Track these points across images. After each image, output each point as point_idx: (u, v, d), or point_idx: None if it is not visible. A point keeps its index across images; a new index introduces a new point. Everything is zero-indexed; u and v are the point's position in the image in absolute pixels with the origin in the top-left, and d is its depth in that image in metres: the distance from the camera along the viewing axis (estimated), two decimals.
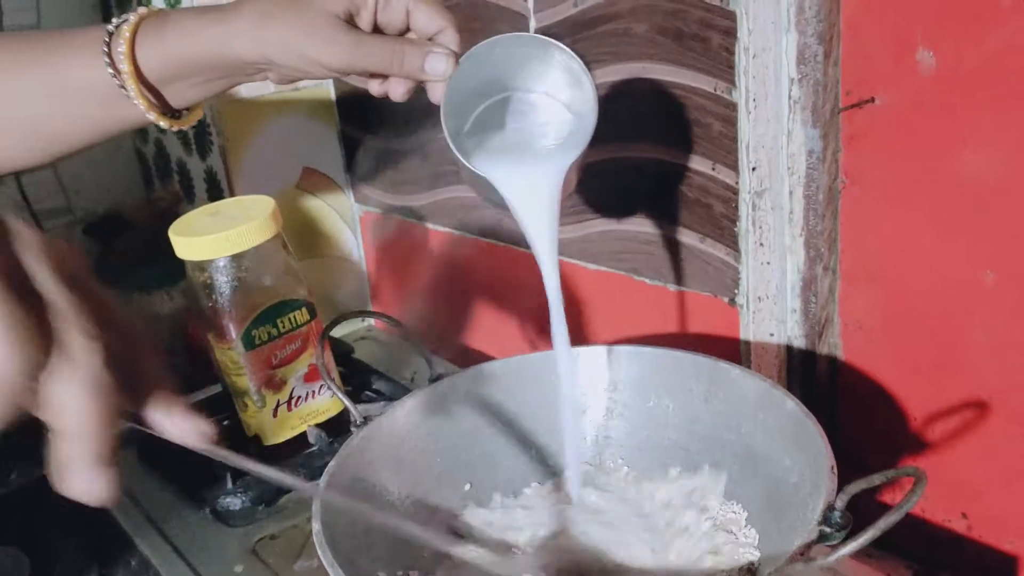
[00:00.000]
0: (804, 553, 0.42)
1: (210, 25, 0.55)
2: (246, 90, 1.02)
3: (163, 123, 0.58)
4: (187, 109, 0.61)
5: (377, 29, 0.55)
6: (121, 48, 0.55)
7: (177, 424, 0.39)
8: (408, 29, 0.56)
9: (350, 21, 0.54)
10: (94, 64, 0.55)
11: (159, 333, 1.10)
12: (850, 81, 0.60)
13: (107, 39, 0.55)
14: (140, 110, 0.57)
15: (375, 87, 0.57)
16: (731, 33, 0.63)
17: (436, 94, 0.55)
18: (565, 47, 0.54)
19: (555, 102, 0.59)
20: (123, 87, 0.55)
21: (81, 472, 0.33)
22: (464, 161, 0.54)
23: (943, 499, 0.64)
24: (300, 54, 0.54)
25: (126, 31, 0.55)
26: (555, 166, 0.55)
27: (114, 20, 0.56)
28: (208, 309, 0.75)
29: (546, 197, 0.55)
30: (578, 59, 0.54)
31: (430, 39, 0.55)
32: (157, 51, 0.55)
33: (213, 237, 0.72)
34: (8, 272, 0.31)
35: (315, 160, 1.11)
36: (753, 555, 0.55)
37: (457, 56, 0.54)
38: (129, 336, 0.37)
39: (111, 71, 0.55)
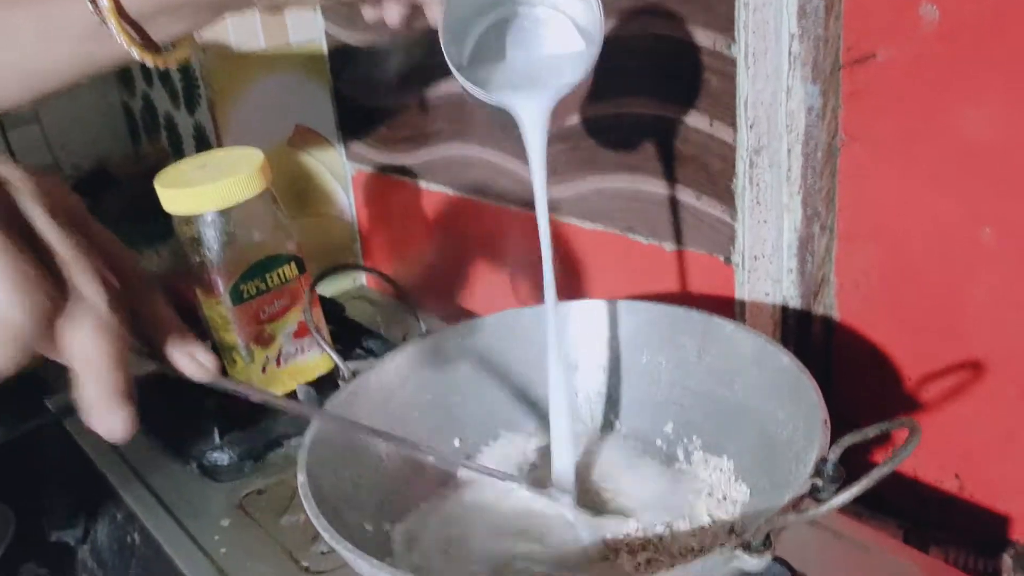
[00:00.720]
0: (796, 506, 0.41)
1: None
2: (236, 42, 1.01)
3: (147, 60, 0.57)
4: (172, 45, 0.59)
5: None
6: None
7: (189, 359, 0.40)
8: None
9: None
10: (77, 3, 0.53)
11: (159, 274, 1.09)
12: (851, 36, 0.59)
13: None
14: (123, 46, 0.55)
15: (369, 12, 0.55)
16: None
17: (433, 14, 0.53)
18: None
19: (559, 15, 0.56)
20: (104, 22, 0.54)
21: (101, 410, 0.34)
22: (468, 82, 0.52)
23: (936, 459, 0.64)
24: None
25: None
26: (553, 92, 0.53)
27: None
28: (196, 264, 0.74)
29: (540, 117, 0.53)
30: None
31: None
32: None
33: (201, 190, 0.71)
34: (7, 220, 0.32)
35: (307, 117, 1.10)
36: (744, 510, 0.55)
37: None
38: (131, 275, 0.38)
39: (91, 6, 0.53)
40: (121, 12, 0.54)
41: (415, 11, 0.54)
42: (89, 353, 0.34)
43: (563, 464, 0.57)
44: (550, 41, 0.56)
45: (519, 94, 0.53)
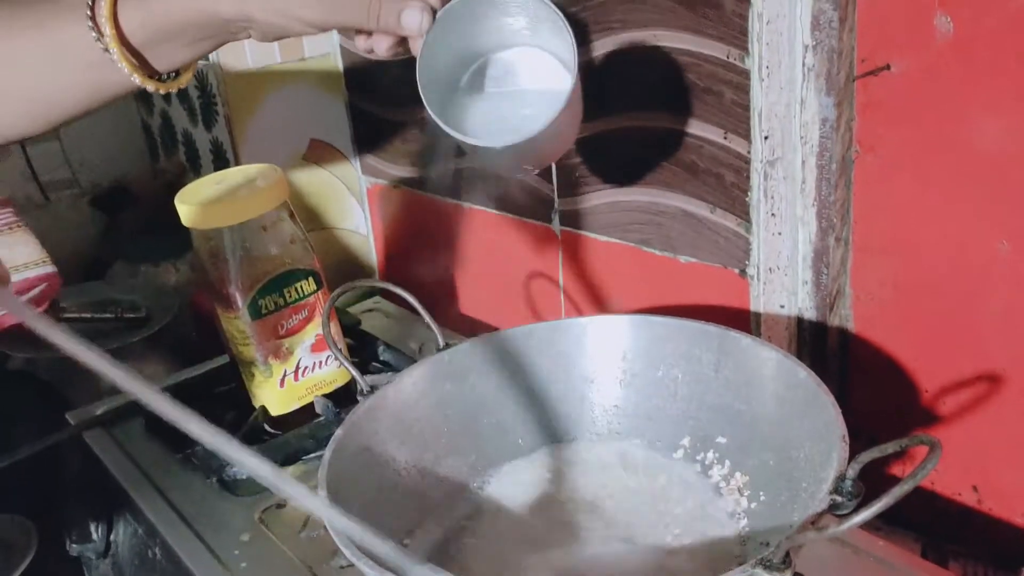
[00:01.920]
0: (815, 522, 0.41)
1: None
2: (252, 60, 1.02)
3: (150, 86, 0.58)
4: (176, 72, 0.60)
5: None
6: (103, 11, 0.54)
7: None
8: None
9: None
10: (80, 28, 0.55)
11: (165, 301, 1.10)
12: (865, 48, 0.59)
13: (90, 2, 0.55)
14: (127, 74, 0.56)
15: (360, 43, 0.57)
16: None
17: (415, 49, 0.54)
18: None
19: (543, 54, 0.57)
20: (107, 50, 0.55)
21: None
22: (437, 120, 0.54)
23: (954, 472, 0.64)
24: (279, 10, 0.53)
25: None
26: (529, 129, 0.53)
27: None
28: (214, 278, 0.74)
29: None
30: (556, 10, 0.52)
31: None
32: (139, 14, 0.55)
33: (219, 205, 0.72)
34: None
35: (322, 131, 1.11)
36: (763, 525, 0.55)
37: (434, 10, 0.53)
38: None
39: (95, 34, 0.55)
40: (124, 41, 0.55)
41: (402, 42, 0.55)
42: None
43: None
44: (529, 76, 0.58)
45: (492, 136, 0.54)
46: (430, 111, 0.54)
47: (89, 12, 0.55)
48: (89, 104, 0.59)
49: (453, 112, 0.58)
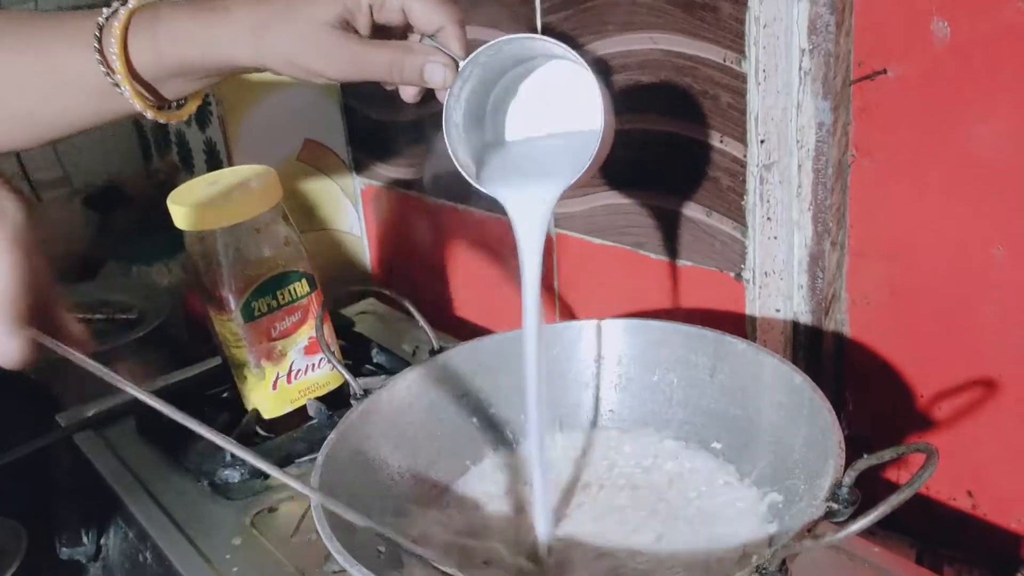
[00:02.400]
0: (811, 530, 0.41)
1: (204, 28, 0.53)
2: None
3: (160, 118, 0.58)
4: (183, 99, 0.60)
5: (378, 28, 0.54)
6: (113, 48, 0.54)
7: (72, 331, 0.38)
8: (410, 26, 0.54)
9: (347, 26, 0.52)
10: (87, 59, 0.54)
11: (157, 302, 1.09)
12: (862, 52, 0.59)
13: (98, 33, 0.54)
14: (135, 105, 0.56)
15: (386, 87, 0.56)
16: (741, 2, 0.62)
17: (440, 97, 0.54)
18: (570, 50, 0.51)
19: (568, 107, 0.57)
20: (117, 86, 0.55)
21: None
22: (467, 176, 0.55)
23: (949, 477, 0.63)
24: (299, 67, 0.53)
25: (116, 29, 0.54)
26: (553, 189, 0.54)
27: (104, 11, 0.55)
28: (207, 280, 0.74)
29: (539, 217, 0.54)
30: (585, 64, 0.52)
31: (432, 36, 0.53)
32: (151, 53, 0.54)
33: (212, 207, 0.71)
34: None
35: (317, 132, 1.10)
36: (759, 533, 0.54)
37: (457, 62, 0.52)
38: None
39: (104, 69, 0.54)
40: (133, 75, 0.55)
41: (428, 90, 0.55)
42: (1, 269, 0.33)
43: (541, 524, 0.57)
44: (561, 112, 0.57)
45: (510, 190, 0.55)
46: (460, 168, 0.54)
47: (97, 45, 0.54)
48: (90, 124, 0.59)
49: (487, 159, 0.57)
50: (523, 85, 0.58)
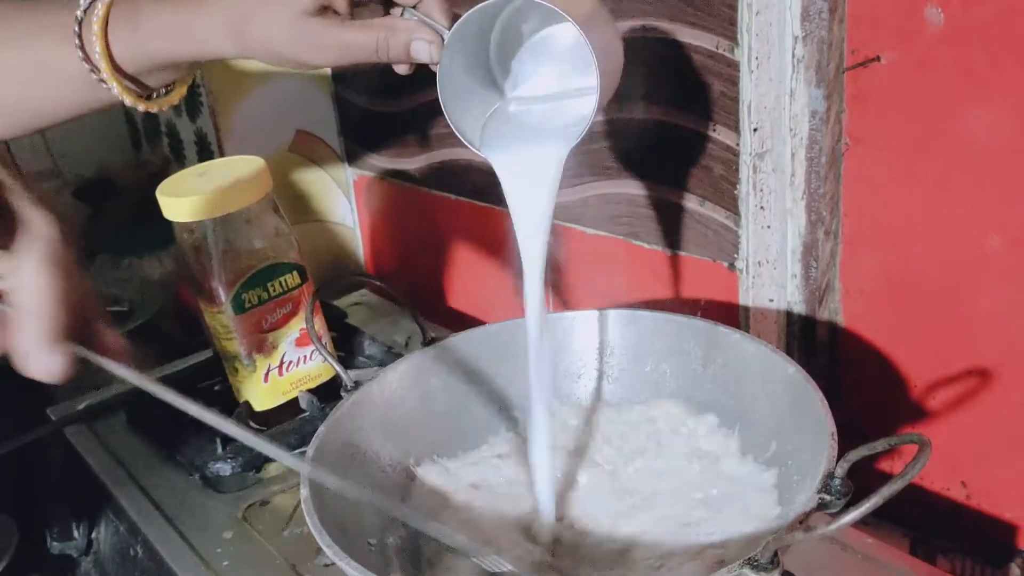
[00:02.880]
0: (803, 522, 0.41)
1: (185, 22, 0.53)
2: None
3: (141, 106, 0.57)
4: (167, 87, 0.60)
5: (359, 4, 0.53)
6: (95, 44, 0.53)
7: (113, 344, 0.39)
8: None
9: (326, 11, 0.52)
10: (69, 53, 0.54)
11: (148, 294, 1.09)
12: (856, 39, 0.59)
13: (77, 29, 0.54)
14: (121, 98, 0.56)
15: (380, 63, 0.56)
16: None
17: (433, 68, 0.53)
18: (555, 8, 0.49)
19: (568, 65, 0.55)
20: (103, 81, 0.55)
21: (41, 351, 0.34)
22: (474, 148, 0.53)
23: (942, 467, 0.63)
24: (285, 58, 0.52)
25: (96, 24, 0.53)
26: (553, 156, 0.52)
27: (80, 1, 0.54)
28: (197, 272, 0.73)
29: (544, 194, 0.53)
30: (576, 24, 0.51)
31: (415, 6, 0.53)
32: (132, 47, 0.54)
33: (201, 198, 0.71)
34: None
35: (308, 123, 1.09)
36: (749, 525, 0.54)
37: (442, 37, 0.52)
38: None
39: (88, 66, 0.54)
40: (118, 69, 0.55)
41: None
42: (39, 287, 0.33)
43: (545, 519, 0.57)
44: (548, 105, 0.55)
45: (512, 156, 0.53)
46: (464, 140, 0.53)
47: (78, 42, 0.54)
48: (77, 113, 0.59)
49: (490, 124, 0.56)
50: (521, 49, 0.56)
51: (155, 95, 0.59)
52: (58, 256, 0.34)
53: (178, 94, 0.61)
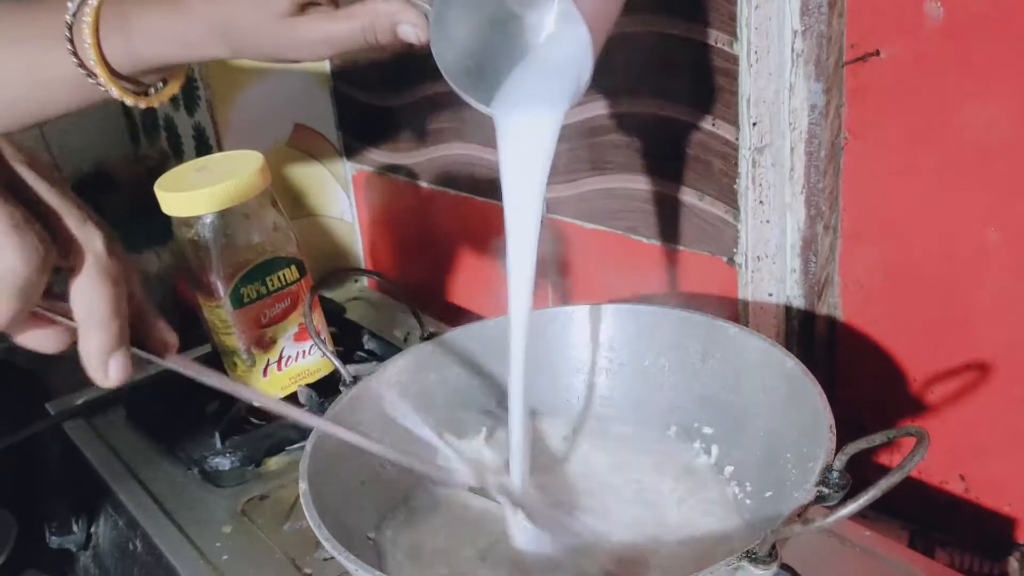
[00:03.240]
0: (802, 514, 0.41)
1: (174, 27, 0.53)
2: None
3: (141, 104, 0.58)
4: (162, 82, 0.60)
5: None
6: (88, 50, 0.54)
7: (163, 339, 0.41)
8: None
9: (309, 5, 0.52)
10: (62, 56, 0.54)
11: (147, 289, 1.08)
12: (855, 33, 0.59)
13: (68, 34, 0.54)
14: (117, 96, 0.57)
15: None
16: None
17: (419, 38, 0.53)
18: None
19: (554, 30, 0.53)
20: (97, 83, 0.55)
21: (104, 358, 0.37)
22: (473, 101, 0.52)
23: (941, 461, 0.63)
24: (275, 58, 0.53)
25: (86, 30, 0.54)
26: (551, 120, 0.51)
27: (69, 5, 0.54)
28: (195, 266, 0.73)
29: (541, 156, 0.51)
30: None
31: None
32: (125, 52, 0.55)
33: (200, 192, 0.71)
34: (4, 182, 0.34)
35: (307, 117, 1.09)
36: (749, 517, 0.54)
37: (426, 13, 0.51)
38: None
39: (83, 71, 0.55)
40: (113, 72, 0.55)
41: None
42: (91, 300, 0.36)
43: (516, 473, 0.56)
44: (542, 68, 0.54)
45: (511, 114, 0.52)
46: (463, 94, 0.52)
47: (71, 47, 0.54)
48: (65, 113, 0.59)
49: (493, 81, 0.54)
50: (516, 18, 0.56)
51: (151, 91, 0.59)
52: (109, 268, 0.36)
53: (173, 89, 0.61)
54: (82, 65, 0.54)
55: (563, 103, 0.51)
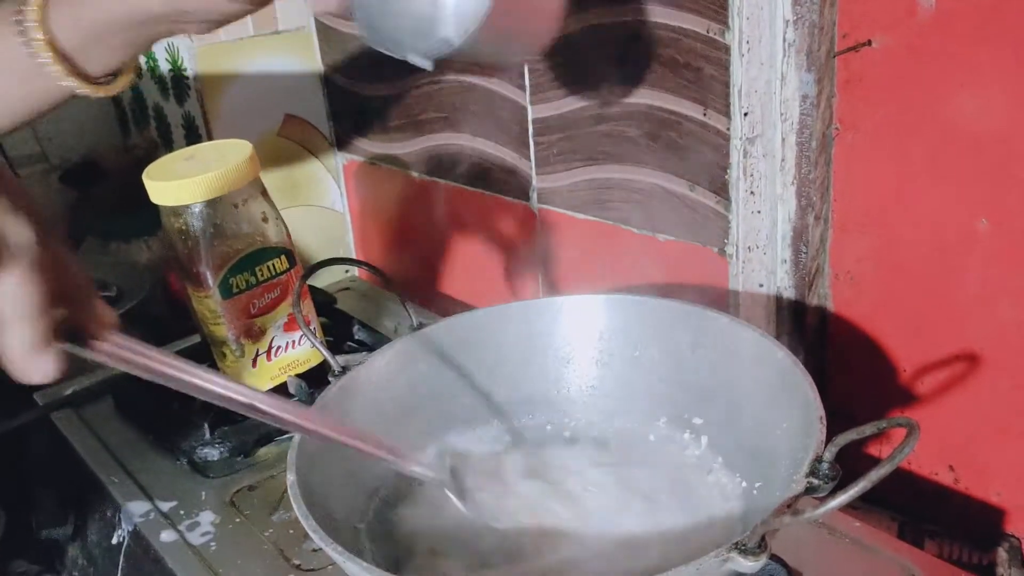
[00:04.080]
0: (791, 506, 0.41)
1: None
2: (224, 33, 0.99)
3: (86, 90, 0.57)
4: (113, 75, 0.59)
5: None
6: (32, 17, 0.53)
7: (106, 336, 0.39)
8: None
9: None
10: (9, 40, 0.54)
11: (136, 279, 1.08)
12: (847, 23, 0.58)
13: (19, 17, 0.54)
14: (62, 84, 0.55)
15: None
16: None
17: None
18: None
19: None
20: (37, 56, 0.54)
21: (30, 355, 0.35)
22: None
23: (930, 451, 0.63)
24: (209, 6, 0.53)
25: (33, 2, 0.53)
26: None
27: None
28: (184, 256, 0.73)
29: None
30: None
31: None
32: (68, 18, 0.54)
33: (188, 181, 0.70)
34: None
35: (297, 107, 1.08)
36: (739, 508, 0.54)
37: None
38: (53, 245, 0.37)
39: (26, 49, 0.54)
40: (54, 46, 0.54)
41: None
42: (19, 296, 0.34)
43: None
44: None
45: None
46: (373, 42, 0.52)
47: (20, 28, 0.54)
48: (26, 115, 0.58)
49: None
50: None
51: (100, 82, 0.59)
52: (38, 259, 0.34)
53: (122, 82, 0.60)
54: (24, 37, 0.54)
55: None
